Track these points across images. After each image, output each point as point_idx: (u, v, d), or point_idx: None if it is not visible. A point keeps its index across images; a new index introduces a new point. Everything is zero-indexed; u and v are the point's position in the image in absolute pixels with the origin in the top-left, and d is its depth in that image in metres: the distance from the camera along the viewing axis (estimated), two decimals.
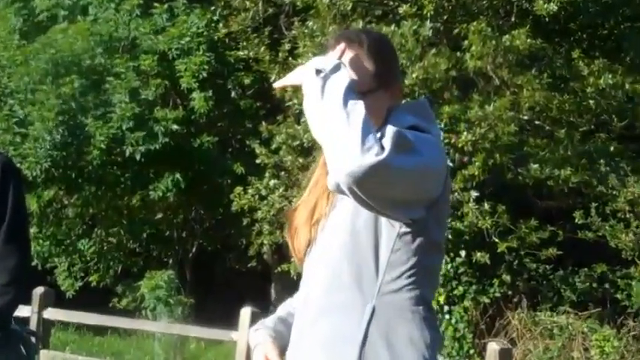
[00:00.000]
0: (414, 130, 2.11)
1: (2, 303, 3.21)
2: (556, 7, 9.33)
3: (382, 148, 1.94)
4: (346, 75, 2.07)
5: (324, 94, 2.03)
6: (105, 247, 13.57)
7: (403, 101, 2.39)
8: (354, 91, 2.04)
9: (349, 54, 2.23)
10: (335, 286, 2.17)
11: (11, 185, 3.27)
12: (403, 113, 2.22)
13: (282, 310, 2.49)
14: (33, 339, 3.68)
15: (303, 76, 2.11)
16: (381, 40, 2.33)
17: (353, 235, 2.17)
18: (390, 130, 1.98)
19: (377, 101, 2.21)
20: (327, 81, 2.04)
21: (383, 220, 2.14)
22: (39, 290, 8.11)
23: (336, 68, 2.07)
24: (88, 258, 13.61)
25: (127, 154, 11.78)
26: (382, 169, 1.93)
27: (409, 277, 2.15)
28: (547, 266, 10.02)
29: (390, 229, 2.14)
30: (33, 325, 7.84)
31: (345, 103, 1.99)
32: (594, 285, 10.16)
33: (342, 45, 2.22)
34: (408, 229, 2.13)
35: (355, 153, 1.92)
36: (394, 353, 2.11)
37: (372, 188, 1.97)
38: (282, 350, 2.33)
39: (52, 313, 8.28)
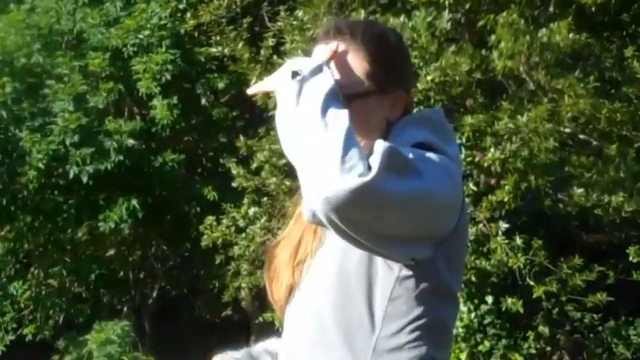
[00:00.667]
0: (422, 148, 2.10)
1: None
2: None
3: (368, 167, 1.92)
4: (329, 78, 2.06)
5: (300, 101, 2.02)
6: (43, 292, 13.52)
7: (415, 111, 2.37)
8: (337, 97, 2.03)
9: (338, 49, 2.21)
10: (320, 343, 2.17)
11: None
12: (410, 127, 2.21)
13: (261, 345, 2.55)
14: None
15: (278, 80, 2.10)
16: (383, 34, 2.31)
17: (341, 279, 2.15)
18: (381, 145, 1.96)
19: (367, 109, 2.21)
20: (305, 85, 2.04)
21: (379, 260, 2.12)
22: None
23: (318, 70, 2.07)
24: (22, 305, 13.56)
25: (72, 175, 11.76)
26: (367, 194, 1.91)
27: (412, 332, 2.13)
28: (594, 315, 10.04)
29: (388, 273, 2.13)
30: None
31: (324, 112, 1.98)
32: None
33: (334, 43, 2.21)
34: (410, 273, 2.12)
35: (333, 173, 1.91)
36: None
37: (355, 218, 1.95)
38: None
39: None
